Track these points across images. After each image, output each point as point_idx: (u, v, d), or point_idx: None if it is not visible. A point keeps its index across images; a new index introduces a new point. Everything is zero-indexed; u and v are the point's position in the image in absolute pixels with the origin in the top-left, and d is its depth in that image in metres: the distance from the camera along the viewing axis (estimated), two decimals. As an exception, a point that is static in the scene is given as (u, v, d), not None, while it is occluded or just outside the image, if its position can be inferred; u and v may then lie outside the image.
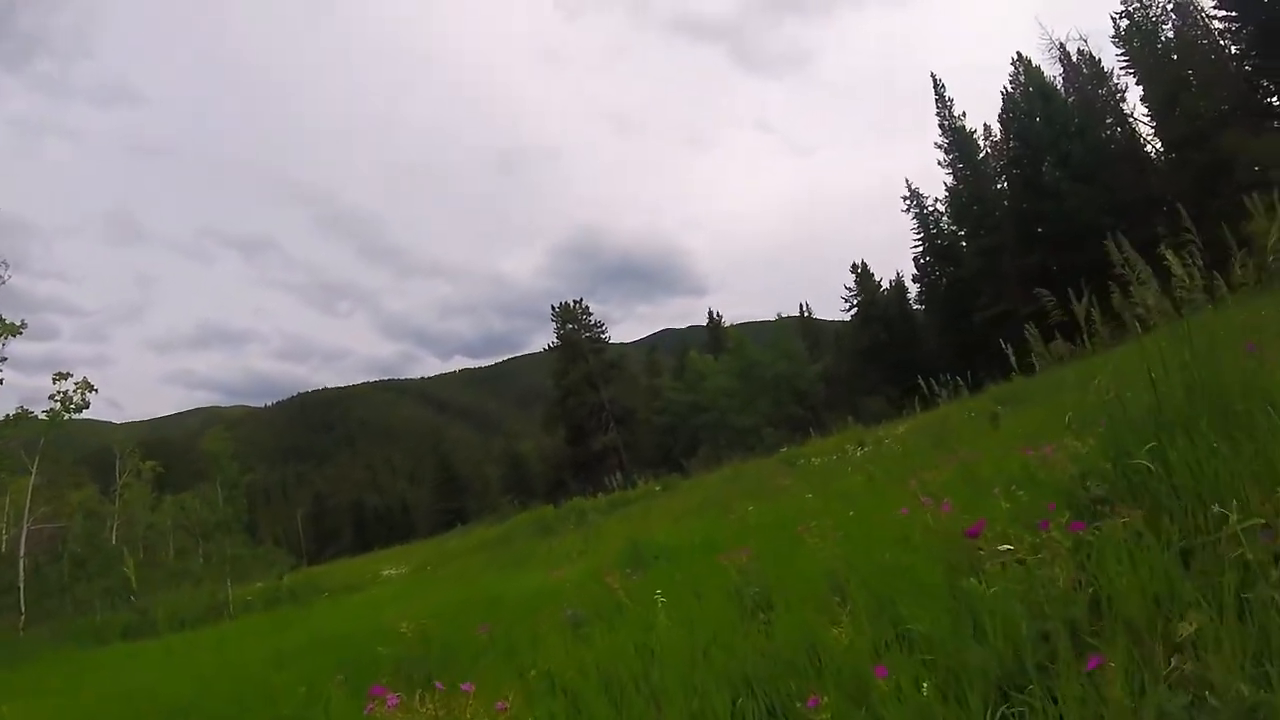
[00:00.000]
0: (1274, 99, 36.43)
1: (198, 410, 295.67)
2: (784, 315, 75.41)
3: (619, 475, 53.31)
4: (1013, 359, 14.87)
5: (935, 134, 54.26)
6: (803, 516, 7.41)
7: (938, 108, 53.20)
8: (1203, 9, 39.56)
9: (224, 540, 30.33)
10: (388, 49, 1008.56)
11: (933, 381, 21.04)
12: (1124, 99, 45.32)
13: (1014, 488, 3.50)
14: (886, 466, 10.50)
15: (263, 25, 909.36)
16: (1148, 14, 41.34)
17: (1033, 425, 8.97)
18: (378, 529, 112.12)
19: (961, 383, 21.12)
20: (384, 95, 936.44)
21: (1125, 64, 44.07)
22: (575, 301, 64.46)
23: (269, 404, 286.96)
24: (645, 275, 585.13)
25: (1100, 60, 46.37)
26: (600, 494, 35.07)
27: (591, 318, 64.43)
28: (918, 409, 25.53)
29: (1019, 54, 50.51)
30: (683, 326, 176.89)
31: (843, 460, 17.59)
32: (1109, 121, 45.32)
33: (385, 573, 25.81)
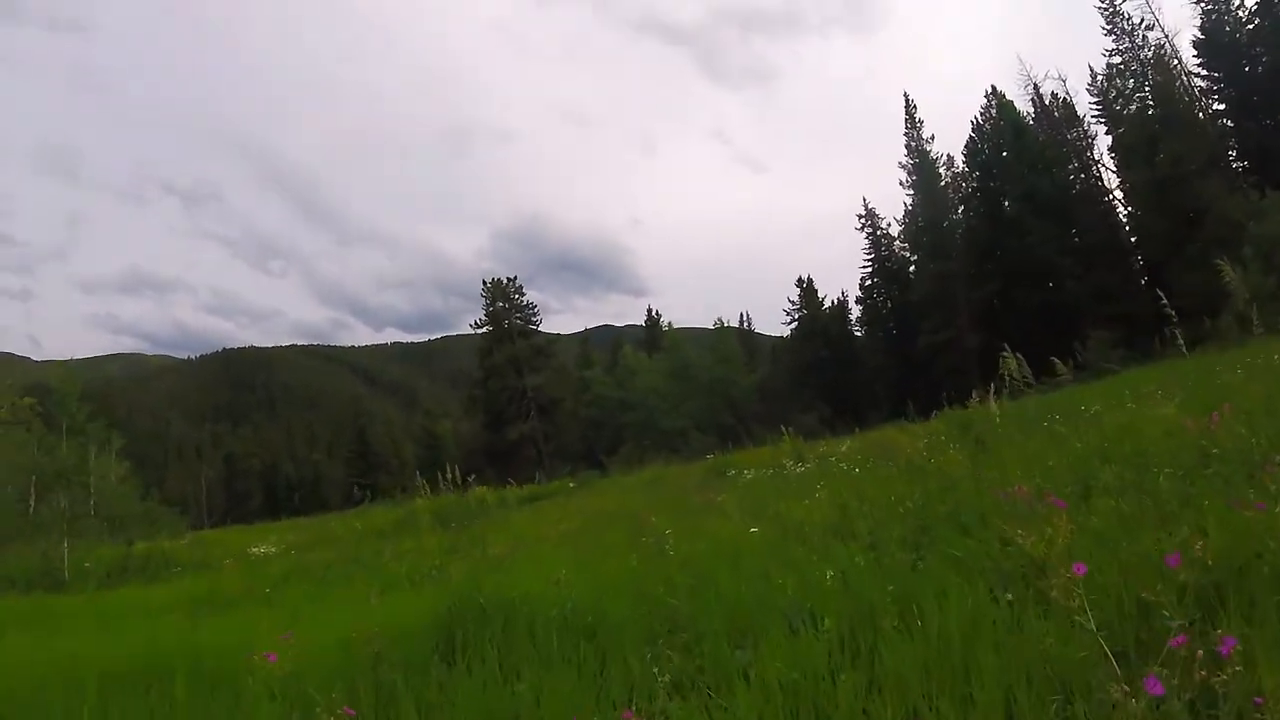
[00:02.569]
0: (1244, 161, 36.22)
1: (120, 356, 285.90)
2: (725, 323, 73.41)
3: (536, 468, 50.47)
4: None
5: (901, 155, 52.93)
6: (746, 558, 4.82)
7: (907, 127, 51.97)
8: (1185, 66, 39.40)
9: (60, 494, 26.25)
10: (351, 10, 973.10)
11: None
12: (1092, 145, 45.01)
13: None
14: (854, 490, 7.96)
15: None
16: (1138, 55, 40.64)
17: (1059, 454, 6.54)
18: (289, 497, 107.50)
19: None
20: (341, 57, 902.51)
21: (1098, 112, 43.59)
22: (509, 279, 60.69)
23: (192, 357, 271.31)
24: (587, 270, 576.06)
25: (1074, 104, 45.91)
26: (510, 485, 32.33)
27: (524, 298, 60.77)
28: (857, 428, 23.84)
29: (994, 87, 50.20)
30: (620, 324, 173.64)
31: (780, 477, 15.14)
32: (1074, 166, 44.81)
33: (255, 550, 22.99)
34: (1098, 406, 11.25)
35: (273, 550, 22.37)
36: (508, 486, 32.02)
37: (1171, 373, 13.30)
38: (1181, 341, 12.32)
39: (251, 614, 6.17)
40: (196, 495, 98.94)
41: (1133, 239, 40.81)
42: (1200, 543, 2.59)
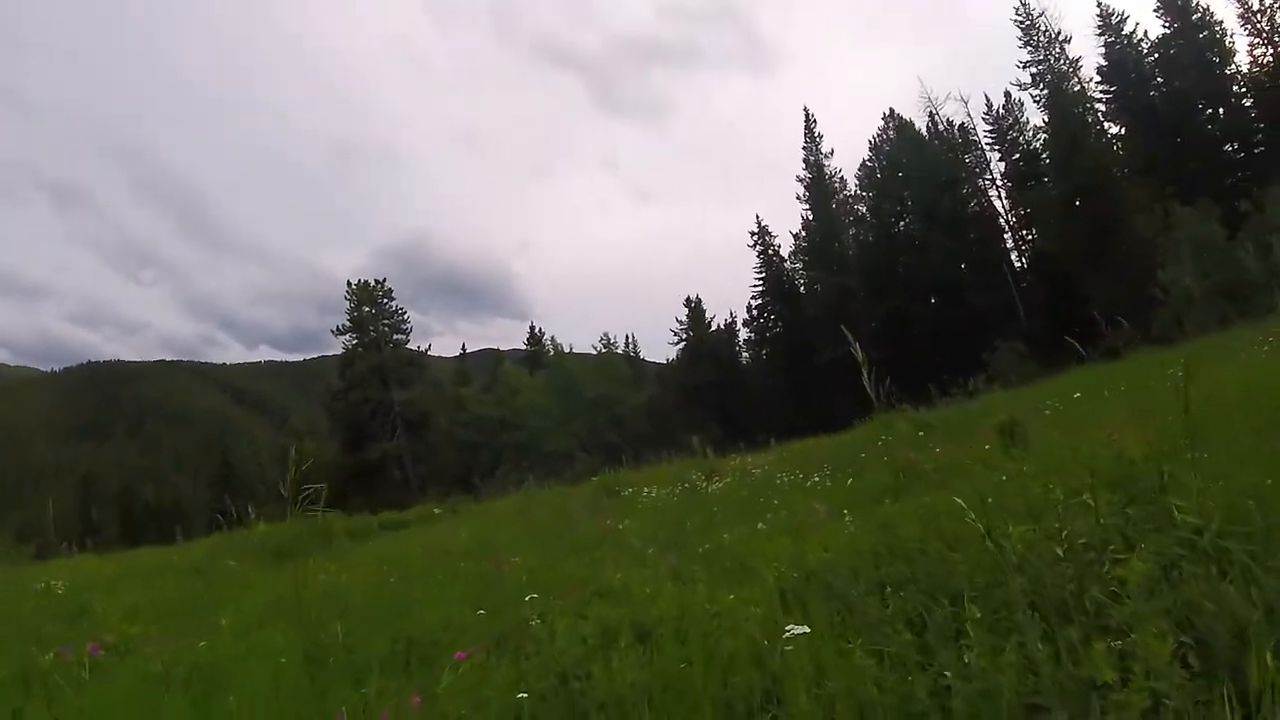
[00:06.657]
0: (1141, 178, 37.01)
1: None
2: (611, 342, 69.85)
3: (404, 492, 44.96)
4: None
5: (798, 171, 52.33)
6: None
7: (805, 140, 51.31)
8: (1089, 91, 40.58)
9: None
10: (243, 20, 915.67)
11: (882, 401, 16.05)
12: (987, 169, 45.69)
13: None
14: (841, 502, 4.58)
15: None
16: (1053, 67, 41.11)
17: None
18: (148, 524, 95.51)
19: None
20: (230, 66, 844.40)
21: (992, 139, 44.43)
22: (377, 281, 54.37)
23: (56, 369, 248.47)
24: (470, 292, 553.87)
25: (972, 128, 46.59)
26: (368, 512, 27.70)
27: (393, 304, 54.56)
28: (772, 441, 21.26)
29: (891, 110, 50.54)
30: (505, 348, 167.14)
31: (694, 494, 11.73)
32: (968, 190, 45.18)
33: (52, 583, 17.87)
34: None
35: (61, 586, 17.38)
36: (366, 513, 27.44)
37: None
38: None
39: None
40: (57, 520, 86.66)
41: (1027, 258, 41.24)
42: None
